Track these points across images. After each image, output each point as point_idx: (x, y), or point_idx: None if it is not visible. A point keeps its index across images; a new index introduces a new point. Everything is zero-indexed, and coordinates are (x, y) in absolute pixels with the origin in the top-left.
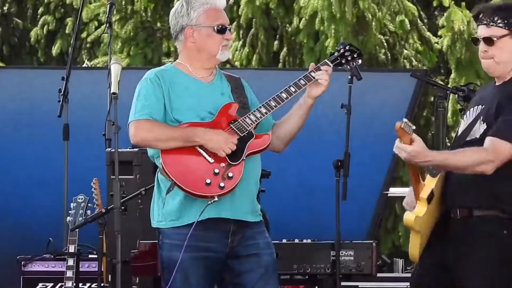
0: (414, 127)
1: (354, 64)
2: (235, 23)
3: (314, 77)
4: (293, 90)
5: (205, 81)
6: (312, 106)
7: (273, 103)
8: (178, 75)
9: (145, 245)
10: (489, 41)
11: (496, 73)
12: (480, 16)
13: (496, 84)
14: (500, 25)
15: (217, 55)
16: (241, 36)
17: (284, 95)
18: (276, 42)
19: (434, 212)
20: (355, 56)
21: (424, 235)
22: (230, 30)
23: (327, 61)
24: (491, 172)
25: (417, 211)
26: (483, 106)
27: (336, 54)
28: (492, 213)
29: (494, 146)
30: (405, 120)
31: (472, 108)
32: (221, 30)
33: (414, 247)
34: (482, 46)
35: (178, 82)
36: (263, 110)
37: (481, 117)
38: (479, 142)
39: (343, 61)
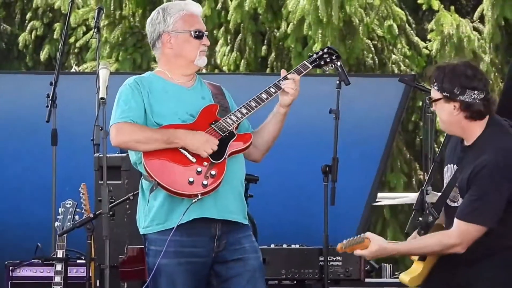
0: (364, 235)
1: (333, 65)
2: (223, 28)
3: (281, 87)
4: (273, 91)
5: (185, 86)
6: (286, 114)
7: (253, 104)
8: (158, 81)
9: (133, 250)
10: (432, 101)
11: (449, 132)
12: (428, 75)
13: (465, 144)
14: (436, 88)
15: (195, 61)
16: (229, 41)
17: (264, 96)
18: (264, 47)
19: (433, 260)
20: (333, 58)
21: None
22: (207, 36)
23: (306, 63)
24: (463, 251)
25: (411, 270)
26: (457, 168)
27: (314, 56)
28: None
29: (460, 230)
30: (345, 241)
31: (448, 166)
32: (198, 36)
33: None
34: (433, 105)
35: (158, 87)
36: (244, 111)
37: (457, 189)
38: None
39: (321, 63)
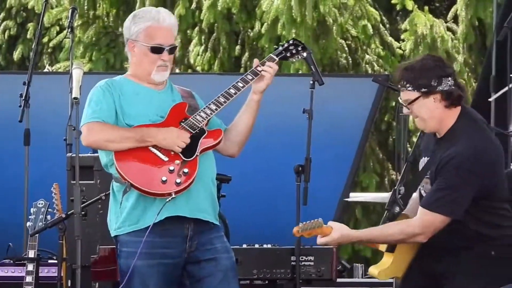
0: (319, 219)
1: (299, 57)
2: (197, 28)
3: (259, 71)
4: (241, 85)
5: (155, 88)
6: (260, 102)
7: (222, 99)
8: (129, 83)
9: (105, 250)
10: (408, 104)
11: (429, 130)
12: (396, 77)
13: (438, 137)
14: (410, 89)
15: (151, 75)
16: (202, 41)
17: (232, 90)
18: (238, 47)
19: (405, 254)
20: (299, 49)
21: (400, 271)
22: (170, 51)
23: (272, 55)
24: (425, 241)
25: (381, 264)
26: (428, 160)
27: (280, 48)
28: (478, 249)
29: (423, 219)
30: (301, 224)
31: (422, 159)
32: (157, 50)
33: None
34: (404, 109)
35: (128, 89)
36: (213, 107)
37: (427, 178)
38: None
39: (288, 55)
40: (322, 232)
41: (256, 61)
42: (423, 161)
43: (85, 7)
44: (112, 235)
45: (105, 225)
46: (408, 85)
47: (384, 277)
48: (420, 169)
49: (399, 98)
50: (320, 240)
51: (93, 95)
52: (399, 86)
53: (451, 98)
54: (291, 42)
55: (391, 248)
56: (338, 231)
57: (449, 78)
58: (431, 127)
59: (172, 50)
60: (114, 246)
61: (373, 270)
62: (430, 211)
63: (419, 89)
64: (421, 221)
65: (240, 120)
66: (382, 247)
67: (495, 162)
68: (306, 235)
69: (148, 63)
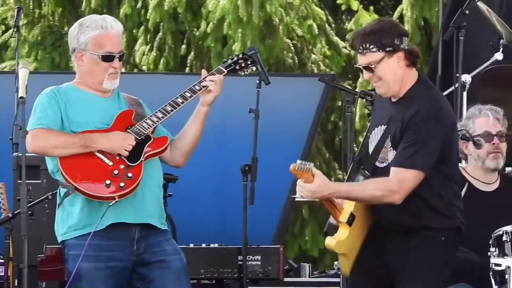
0: (311, 164)
1: (248, 70)
2: (142, 27)
3: (204, 86)
4: (188, 95)
5: (102, 96)
6: (207, 113)
7: (169, 108)
8: (75, 90)
9: (51, 249)
10: (369, 69)
11: (390, 93)
12: (354, 45)
13: (392, 101)
14: (374, 50)
15: (103, 84)
16: (148, 40)
17: (179, 100)
18: (183, 46)
19: (359, 232)
20: (248, 63)
21: (352, 254)
22: (120, 57)
23: (221, 67)
24: (400, 202)
25: (338, 236)
26: (385, 127)
27: (229, 61)
28: (429, 228)
29: (398, 177)
30: (299, 161)
31: (376, 129)
32: (107, 58)
33: (344, 267)
34: (365, 74)
35: (75, 96)
36: (159, 115)
37: (388, 142)
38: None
39: (236, 67)
40: (308, 179)
41: (204, 72)
42: (376, 131)
43: (31, 6)
44: (59, 240)
45: (51, 225)
46: (372, 47)
47: (340, 248)
48: (375, 140)
49: (363, 67)
50: (301, 184)
51: (38, 102)
52: (359, 51)
53: (411, 56)
54: (240, 56)
55: (350, 221)
56: (319, 178)
57: (406, 38)
58: (393, 89)
59: (121, 57)
60: (61, 246)
61: (330, 240)
62: (405, 168)
63: (384, 48)
64: (396, 179)
65: (187, 131)
66: (343, 217)
67: (454, 125)
68: (298, 175)
69: (99, 72)
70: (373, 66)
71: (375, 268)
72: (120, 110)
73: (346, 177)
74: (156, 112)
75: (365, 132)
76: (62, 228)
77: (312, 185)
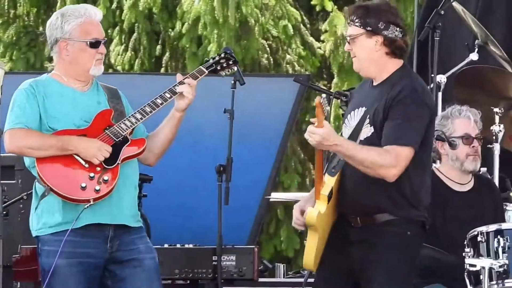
0: (328, 108)
1: (229, 70)
2: (117, 27)
3: (177, 92)
4: (168, 96)
5: (80, 90)
6: (182, 118)
7: (148, 109)
8: (54, 85)
9: (26, 250)
10: (350, 40)
11: (364, 72)
12: (347, 16)
13: (374, 84)
14: (357, 24)
15: (90, 70)
16: (123, 40)
17: (159, 101)
18: (158, 47)
19: (331, 214)
20: (230, 63)
21: (322, 237)
22: (104, 43)
23: (202, 68)
24: (393, 180)
25: (319, 208)
26: (365, 108)
27: (211, 61)
28: (394, 217)
29: (395, 153)
30: (323, 95)
31: (353, 111)
32: (94, 44)
33: (311, 251)
34: (346, 45)
35: (53, 91)
36: (138, 116)
37: (367, 120)
38: (367, 144)
39: (218, 68)
40: (320, 123)
41: (179, 77)
42: (354, 113)
43: (5, 6)
44: (34, 235)
45: (26, 225)
46: (356, 20)
47: (319, 221)
48: (353, 122)
49: (347, 36)
50: (312, 128)
51: (16, 98)
52: (347, 21)
53: (392, 46)
54: (222, 55)
55: (329, 197)
56: (329, 126)
57: (397, 28)
58: (366, 70)
59: (105, 42)
60: (36, 246)
61: (312, 211)
62: (399, 145)
63: (365, 26)
64: (395, 154)
65: (161, 132)
66: (325, 190)
67: (435, 110)
68: (318, 111)
69: (86, 59)
70: (348, 39)
71: (341, 264)
72: (99, 104)
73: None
74: (135, 113)
75: (339, 132)
76: (37, 224)
77: (323, 129)
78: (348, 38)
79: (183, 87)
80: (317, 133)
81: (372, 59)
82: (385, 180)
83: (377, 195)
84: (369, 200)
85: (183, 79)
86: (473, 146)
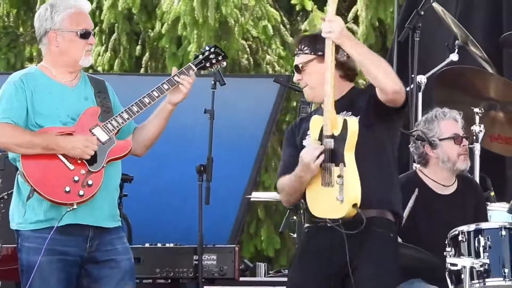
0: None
1: (218, 66)
2: (97, 28)
3: (177, 81)
4: (156, 95)
5: (69, 85)
6: (172, 112)
7: (135, 109)
8: (42, 79)
9: (7, 249)
10: (298, 69)
11: (318, 99)
12: (295, 47)
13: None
14: (307, 51)
15: (80, 61)
16: (103, 41)
17: (146, 100)
18: (138, 47)
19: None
20: (219, 58)
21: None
22: (94, 34)
23: (191, 65)
24: (399, 104)
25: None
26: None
27: (200, 57)
28: (384, 216)
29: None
30: None
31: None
32: (85, 35)
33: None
34: (296, 76)
35: (42, 86)
36: (125, 116)
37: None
38: None
39: (207, 64)
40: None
41: (174, 70)
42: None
43: None
44: (14, 228)
45: (7, 224)
46: (305, 48)
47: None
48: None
49: (295, 66)
50: (330, 16)
51: (5, 91)
52: (296, 50)
53: (344, 68)
54: (212, 50)
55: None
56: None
57: (345, 53)
58: (320, 96)
59: (94, 34)
60: (16, 245)
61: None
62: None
63: (316, 52)
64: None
65: (150, 124)
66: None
67: None
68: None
69: (76, 49)
70: (300, 67)
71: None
72: (86, 100)
73: None
74: (122, 113)
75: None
76: (18, 218)
77: (340, 21)
78: (298, 68)
79: (183, 78)
80: (336, 20)
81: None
82: (394, 176)
83: (388, 191)
84: (382, 195)
85: (175, 75)
86: (463, 145)
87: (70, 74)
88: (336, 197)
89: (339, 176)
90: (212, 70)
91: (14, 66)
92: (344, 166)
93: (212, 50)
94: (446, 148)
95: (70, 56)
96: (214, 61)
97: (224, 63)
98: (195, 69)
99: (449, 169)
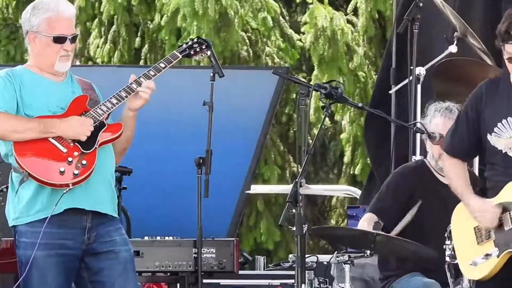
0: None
1: (203, 55)
2: (96, 20)
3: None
4: (142, 81)
5: (55, 80)
6: (135, 117)
7: (123, 94)
8: (29, 74)
9: (6, 242)
10: None
11: None
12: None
13: None
14: None
15: (54, 66)
16: (102, 33)
17: (134, 86)
18: (137, 39)
19: None
20: (203, 47)
21: None
22: (71, 40)
23: (176, 53)
24: None
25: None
26: None
27: (184, 46)
28: None
29: None
30: None
31: (506, 120)
32: (59, 40)
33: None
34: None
35: (29, 80)
36: (114, 101)
37: None
38: None
39: (191, 52)
40: None
41: (132, 77)
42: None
43: None
44: (10, 225)
45: (5, 218)
46: None
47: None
48: None
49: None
50: None
51: None
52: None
53: None
54: (195, 40)
55: None
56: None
57: None
58: None
59: (73, 39)
60: (14, 242)
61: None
62: None
63: None
64: None
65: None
66: None
67: None
68: None
69: (51, 54)
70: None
71: None
72: (74, 94)
73: (300, 170)
74: (110, 98)
75: (319, 124)
76: (14, 213)
77: None
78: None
79: (143, 86)
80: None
81: None
82: None
83: None
84: None
85: (163, 60)
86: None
87: (54, 75)
88: None
89: None
90: (197, 58)
91: (14, 58)
92: None
93: (195, 40)
94: (430, 145)
95: (45, 60)
96: (198, 49)
97: (208, 52)
98: (180, 56)
99: (434, 165)
